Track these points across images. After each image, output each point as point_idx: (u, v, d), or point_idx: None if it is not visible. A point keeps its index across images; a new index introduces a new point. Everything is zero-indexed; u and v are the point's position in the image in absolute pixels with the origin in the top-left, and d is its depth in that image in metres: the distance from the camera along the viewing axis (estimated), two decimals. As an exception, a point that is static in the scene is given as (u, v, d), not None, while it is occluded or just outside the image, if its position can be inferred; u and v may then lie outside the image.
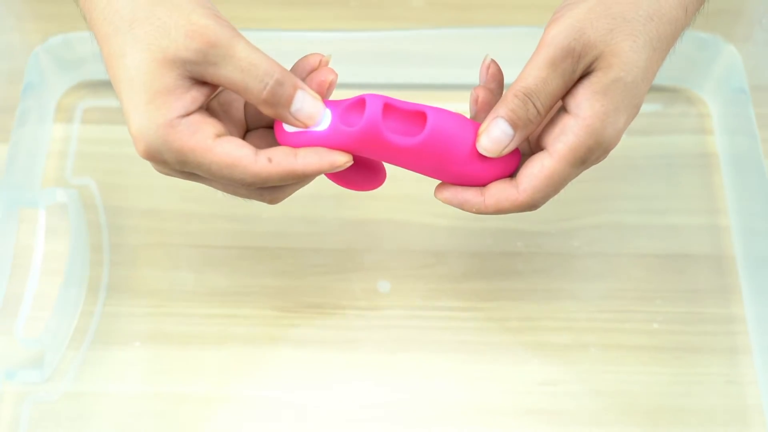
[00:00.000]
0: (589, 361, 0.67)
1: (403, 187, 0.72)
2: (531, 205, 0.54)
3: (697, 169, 0.74)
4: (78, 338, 0.68)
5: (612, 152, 0.74)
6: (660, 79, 0.77)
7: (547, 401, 0.66)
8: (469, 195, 0.55)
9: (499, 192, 0.54)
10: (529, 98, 0.52)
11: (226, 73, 0.49)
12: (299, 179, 0.52)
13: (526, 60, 0.76)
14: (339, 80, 0.76)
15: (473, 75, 0.77)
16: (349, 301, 0.70)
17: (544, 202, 0.54)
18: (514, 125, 0.52)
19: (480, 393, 0.67)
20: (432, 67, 0.78)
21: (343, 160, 0.52)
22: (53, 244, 0.70)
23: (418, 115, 0.53)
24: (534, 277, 0.70)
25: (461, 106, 0.77)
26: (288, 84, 0.51)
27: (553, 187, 0.53)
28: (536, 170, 0.53)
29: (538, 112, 0.52)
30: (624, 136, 0.75)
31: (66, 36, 0.76)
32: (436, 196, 0.55)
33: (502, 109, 0.52)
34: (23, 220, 0.71)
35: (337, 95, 0.77)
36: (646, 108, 0.77)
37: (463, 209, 0.55)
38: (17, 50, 0.78)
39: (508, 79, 0.76)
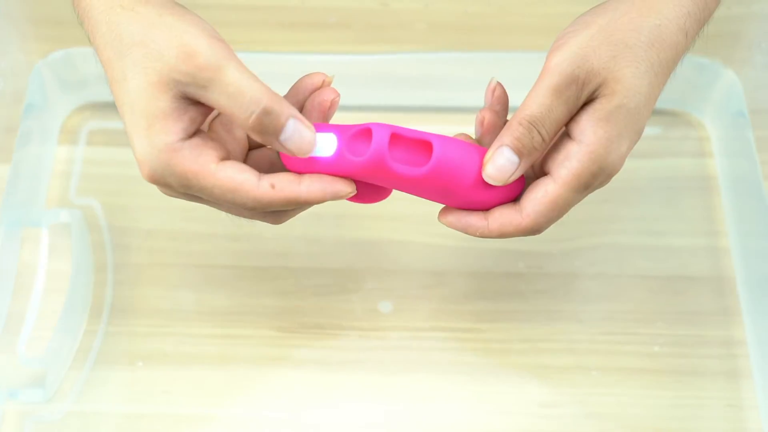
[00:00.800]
0: (590, 384, 0.67)
1: (405, 207, 0.72)
2: (534, 230, 0.54)
3: (696, 192, 0.75)
4: (81, 358, 0.68)
5: (613, 175, 0.75)
6: (660, 103, 0.77)
7: (548, 423, 0.66)
8: (473, 219, 0.55)
9: (503, 216, 0.54)
10: (533, 126, 0.52)
11: (214, 97, 0.49)
12: (302, 206, 0.53)
13: (528, 84, 0.77)
14: (341, 102, 0.77)
15: (475, 98, 0.77)
16: (350, 321, 0.70)
17: (547, 227, 0.54)
18: (519, 153, 0.52)
19: (480, 414, 0.67)
20: (434, 90, 0.78)
21: (347, 191, 0.52)
22: (56, 264, 0.70)
23: (424, 143, 0.54)
24: (535, 299, 0.70)
25: (462, 129, 0.77)
26: (276, 113, 0.50)
27: (557, 212, 0.54)
28: (540, 195, 0.53)
29: (542, 139, 0.52)
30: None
31: (68, 51, 0.77)
32: (440, 220, 0.56)
33: (507, 137, 0.52)
34: (26, 240, 0.71)
35: (338, 118, 0.78)
36: (646, 131, 0.76)
37: (466, 233, 0.55)
38: (20, 71, 0.78)
39: (511, 103, 0.77)
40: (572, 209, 0.73)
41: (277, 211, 0.54)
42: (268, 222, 0.55)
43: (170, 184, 0.51)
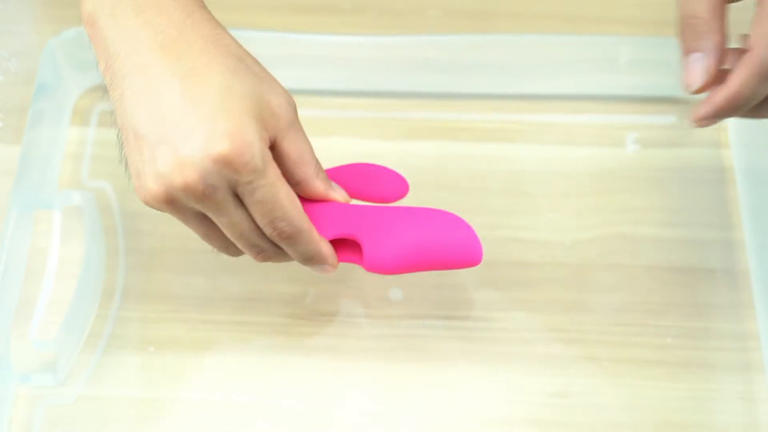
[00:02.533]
0: (601, 375, 0.67)
1: (417, 194, 0.72)
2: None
3: (712, 183, 0.74)
4: (92, 342, 0.68)
5: (627, 164, 0.75)
6: (675, 91, 0.77)
7: (558, 413, 0.66)
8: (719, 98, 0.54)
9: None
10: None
11: (293, 140, 0.54)
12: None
13: (540, 68, 0.76)
14: (356, 88, 0.77)
15: (488, 84, 0.77)
16: (361, 308, 0.70)
17: None
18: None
19: (490, 403, 0.67)
20: (446, 75, 0.78)
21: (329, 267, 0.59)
22: (68, 247, 0.70)
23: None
24: (547, 288, 0.70)
25: (475, 116, 0.77)
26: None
27: None
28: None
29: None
30: (639, 148, 0.76)
31: (80, 30, 0.76)
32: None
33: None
34: (38, 222, 0.71)
35: (349, 102, 0.78)
36: (661, 120, 0.77)
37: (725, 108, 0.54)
38: (33, 51, 0.78)
39: (525, 90, 0.77)
40: (585, 199, 0.74)
41: (278, 250, 0.57)
42: (257, 254, 0.58)
43: (241, 168, 0.51)
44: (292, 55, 0.76)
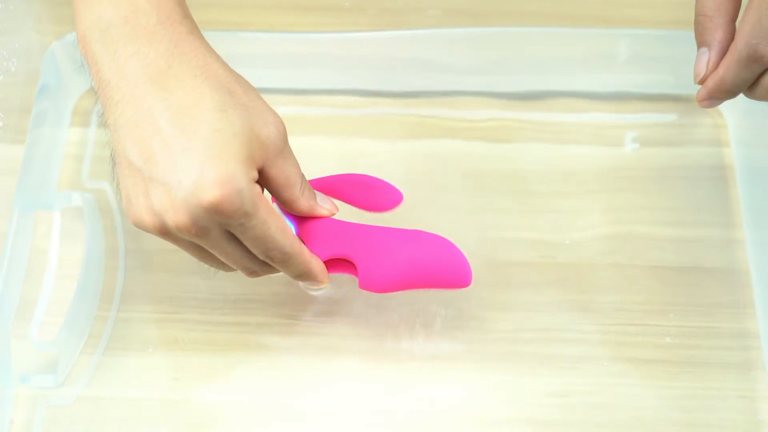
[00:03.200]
0: (601, 374, 0.67)
1: (417, 194, 0.72)
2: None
3: (712, 182, 0.74)
4: (92, 343, 0.68)
5: (627, 163, 0.75)
6: (675, 89, 0.77)
7: (558, 413, 0.66)
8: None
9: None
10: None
11: (281, 166, 0.55)
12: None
13: (540, 66, 0.76)
14: (349, 86, 0.77)
15: (488, 82, 0.77)
16: (360, 309, 0.70)
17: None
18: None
19: (490, 403, 0.67)
20: (446, 74, 0.78)
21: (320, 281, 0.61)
22: (68, 248, 0.70)
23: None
24: (547, 288, 0.70)
25: (475, 114, 0.77)
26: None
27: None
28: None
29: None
30: (639, 147, 0.75)
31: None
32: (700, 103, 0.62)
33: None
34: (39, 223, 0.72)
35: (349, 101, 0.77)
36: (661, 118, 0.77)
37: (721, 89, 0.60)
38: (35, 51, 0.78)
39: (525, 88, 0.77)
40: (585, 198, 0.73)
41: (269, 267, 0.59)
42: (250, 271, 0.59)
43: (236, 209, 0.51)
44: (292, 54, 0.76)
